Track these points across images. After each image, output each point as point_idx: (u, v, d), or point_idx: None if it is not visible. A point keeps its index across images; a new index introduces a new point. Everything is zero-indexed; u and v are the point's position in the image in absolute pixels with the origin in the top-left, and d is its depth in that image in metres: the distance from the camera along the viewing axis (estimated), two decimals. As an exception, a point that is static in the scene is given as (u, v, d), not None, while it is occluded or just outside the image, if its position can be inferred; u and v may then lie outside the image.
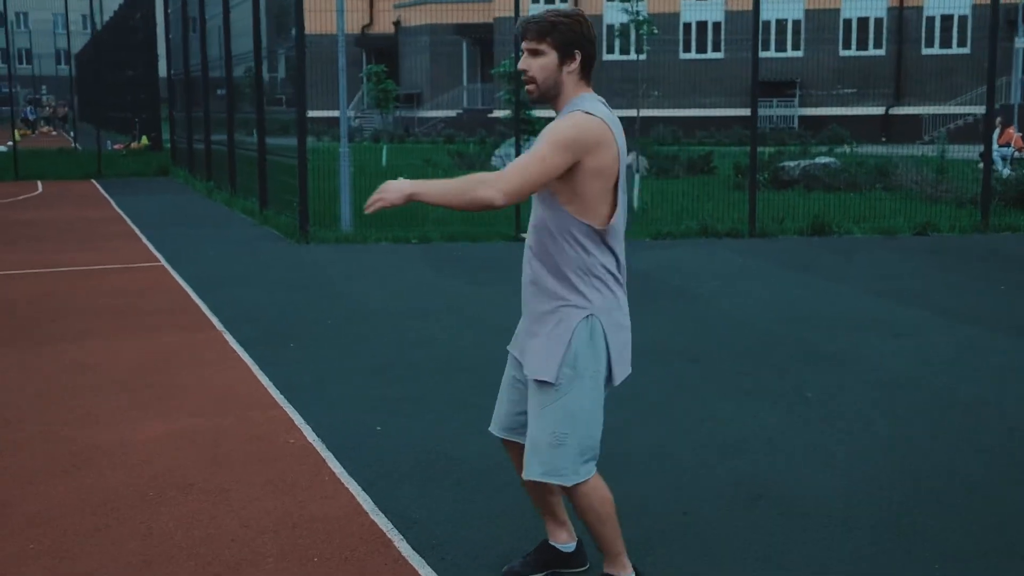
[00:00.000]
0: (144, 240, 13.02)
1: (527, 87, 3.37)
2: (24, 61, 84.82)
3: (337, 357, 7.13)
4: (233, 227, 14.50)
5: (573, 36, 3.30)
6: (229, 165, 17.71)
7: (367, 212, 3.16)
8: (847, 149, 29.64)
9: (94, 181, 22.59)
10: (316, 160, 19.60)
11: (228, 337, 7.72)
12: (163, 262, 11.24)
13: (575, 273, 3.33)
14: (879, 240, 12.66)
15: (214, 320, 8.30)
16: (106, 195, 19.30)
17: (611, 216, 3.29)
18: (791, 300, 9.00)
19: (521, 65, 3.36)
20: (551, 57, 3.30)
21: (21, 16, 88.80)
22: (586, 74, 3.36)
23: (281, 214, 14.18)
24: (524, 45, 3.35)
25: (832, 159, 19.55)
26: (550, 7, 3.40)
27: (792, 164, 18.74)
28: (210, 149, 19.65)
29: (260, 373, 6.71)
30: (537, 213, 3.40)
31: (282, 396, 6.16)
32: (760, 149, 28.20)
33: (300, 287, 9.77)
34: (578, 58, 3.32)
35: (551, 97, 3.36)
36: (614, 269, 3.37)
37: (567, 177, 3.22)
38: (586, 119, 3.22)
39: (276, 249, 12.35)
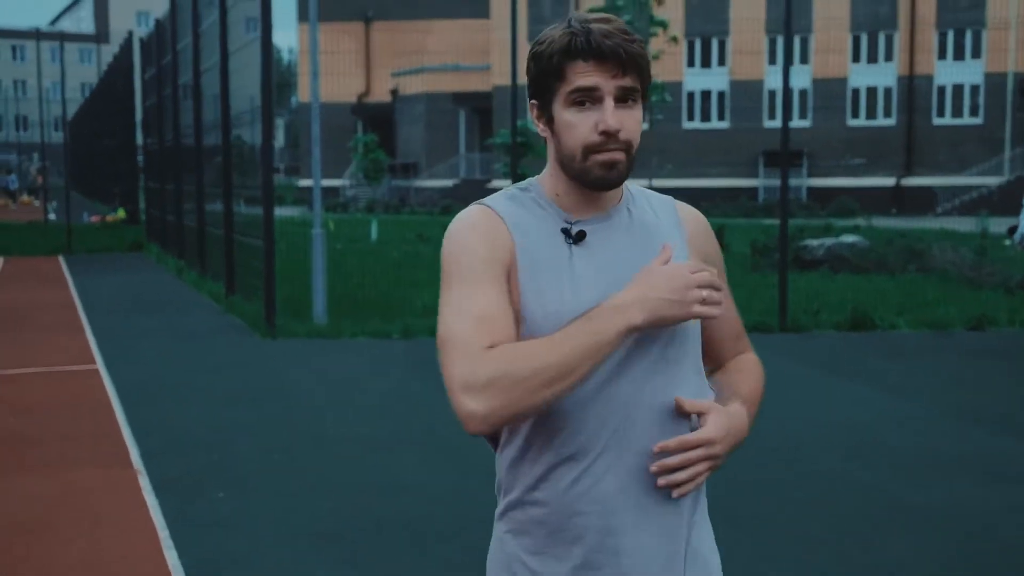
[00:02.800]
0: (88, 333, 11.37)
1: (616, 156, 1.77)
2: (23, 128, 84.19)
3: (275, 515, 5.45)
4: (194, 315, 12.87)
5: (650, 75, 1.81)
6: (198, 242, 16.14)
7: (674, 495, 1.80)
8: (861, 223, 28.18)
9: (60, 258, 21.00)
10: (298, 235, 18.07)
11: (144, 480, 6.04)
12: (99, 364, 9.58)
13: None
14: (931, 337, 11.01)
15: (133, 452, 6.62)
16: (67, 275, 17.70)
17: None
18: (849, 423, 7.34)
19: (614, 123, 1.74)
20: (641, 109, 1.79)
21: (20, 84, 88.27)
22: None
23: (249, 300, 12.57)
24: (610, 83, 1.74)
25: (859, 237, 17.97)
26: (600, 16, 1.78)
27: (815, 243, 17.17)
28: (182, 224, 18.11)
29: (168, 542, 5.03)
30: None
31: (187, 588, 4.49)
32: (771, 222, 26.74)
33: (251, 400, 8.11)
34: None
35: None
36: None
37: None
38: None
39: (236, 345, 10.71)
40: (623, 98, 1.75)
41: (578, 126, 1.75)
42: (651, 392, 1.77)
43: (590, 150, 1.75)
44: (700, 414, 1.76)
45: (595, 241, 1.81)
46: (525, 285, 1.78)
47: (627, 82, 1.74)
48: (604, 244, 1.81)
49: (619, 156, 1.76)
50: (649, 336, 1.76)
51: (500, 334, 1.69)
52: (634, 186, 1.90)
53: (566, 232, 1.81)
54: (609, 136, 1.74)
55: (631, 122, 1.75)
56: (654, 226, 1.86)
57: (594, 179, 1.77)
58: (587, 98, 1.74)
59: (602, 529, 1.77)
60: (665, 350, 1.79)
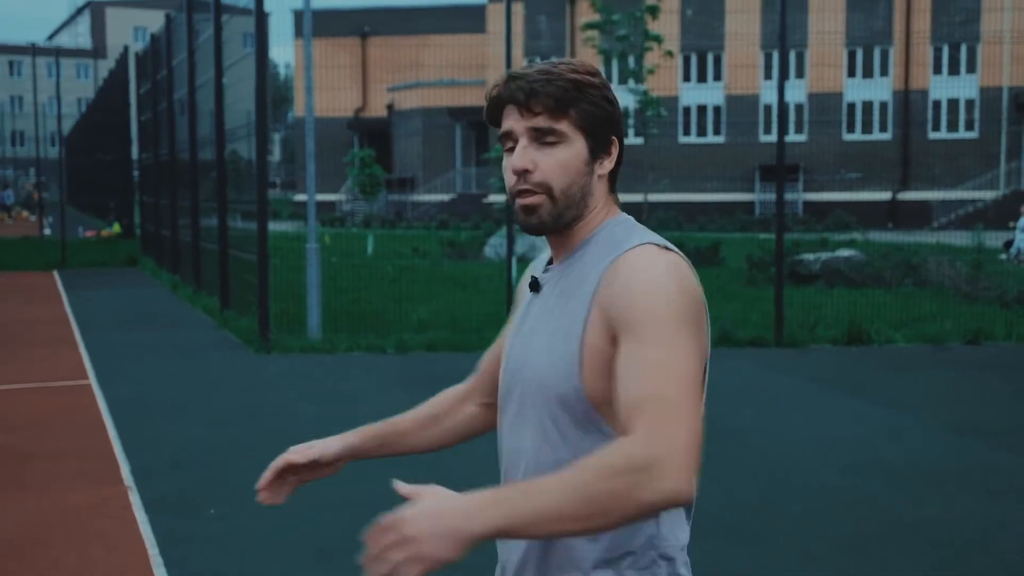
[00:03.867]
0: (81, 348, 11.32)
1: (528, 200, 1.70)
2: (19, 143, 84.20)
3: (269, 531, 5.40)
4: (188, 330, 12.82)
5: (611, 111, 1.70)
6: (192, 257, 16.10)
7: None
8: (857, 237, 28.19)
9: (55, 272, 20.95)
10: (293, 250, 18.04)
11: (134, 497, 5.99)
12: (91, 379, 9.53)
13: (633, 567, 1.67)
14: (927, 351, 10.99)
15: (124, 469, 6.57)
16: (61, 289, 17.65)
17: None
18: (847, 438, 7.30)
19: (518, 162, 1.68)
20: (577, 148, 1.69)
21: (17, 99, 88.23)
22: (615, 182, 1.77)
23: (243, 316, 12.52)
24: (521, 124, 1.69)
25: (855, 251, 17.96)
26: (556, 61, 1.73)
27: (811, 258, 17.16)
28: (177, 239, 18.06)
29: (158, 559, 4.98)
30: (544, 452, 1.70)
31: (176, 607, 4.44)
32: (767, 236, 26.74)
33: (244, 416, 8.06)
34: (615, 152, 1.73)
35: (568, 221, 1.72)
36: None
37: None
38: (676, 261, 1.66)
39: (229, 360, 10.66)
40: (539, 138, 1.68)
41: (506, 171, 1.73)
42: (517, 440, 1.76)
43: (514, 194, 1.72)
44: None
45: (545, 291, 1.78)
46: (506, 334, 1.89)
47: (539, 122, 1.68)
48: (544, 295, 1.77)
49: (535, 200, 1.69)
50: (506, 394, 1.80)
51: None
52: (619, 225, 1.73)
53: (532, 281, 1.82)
54: (520, 176, 1.69)
55: (547, 162, 1.68)
56: (580, 279, 1.71)
57: (520, 224, 1.74)
58: (510, 142, 1.72)
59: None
60: (522, 409, 1.75)
